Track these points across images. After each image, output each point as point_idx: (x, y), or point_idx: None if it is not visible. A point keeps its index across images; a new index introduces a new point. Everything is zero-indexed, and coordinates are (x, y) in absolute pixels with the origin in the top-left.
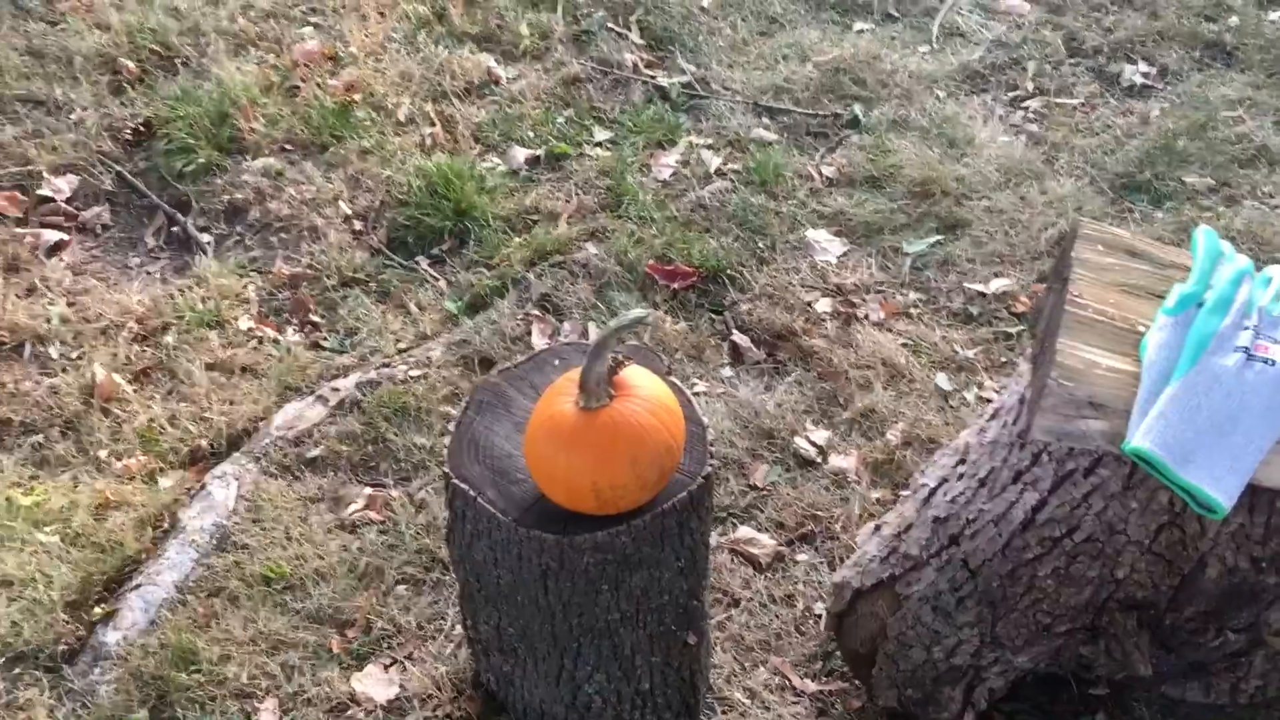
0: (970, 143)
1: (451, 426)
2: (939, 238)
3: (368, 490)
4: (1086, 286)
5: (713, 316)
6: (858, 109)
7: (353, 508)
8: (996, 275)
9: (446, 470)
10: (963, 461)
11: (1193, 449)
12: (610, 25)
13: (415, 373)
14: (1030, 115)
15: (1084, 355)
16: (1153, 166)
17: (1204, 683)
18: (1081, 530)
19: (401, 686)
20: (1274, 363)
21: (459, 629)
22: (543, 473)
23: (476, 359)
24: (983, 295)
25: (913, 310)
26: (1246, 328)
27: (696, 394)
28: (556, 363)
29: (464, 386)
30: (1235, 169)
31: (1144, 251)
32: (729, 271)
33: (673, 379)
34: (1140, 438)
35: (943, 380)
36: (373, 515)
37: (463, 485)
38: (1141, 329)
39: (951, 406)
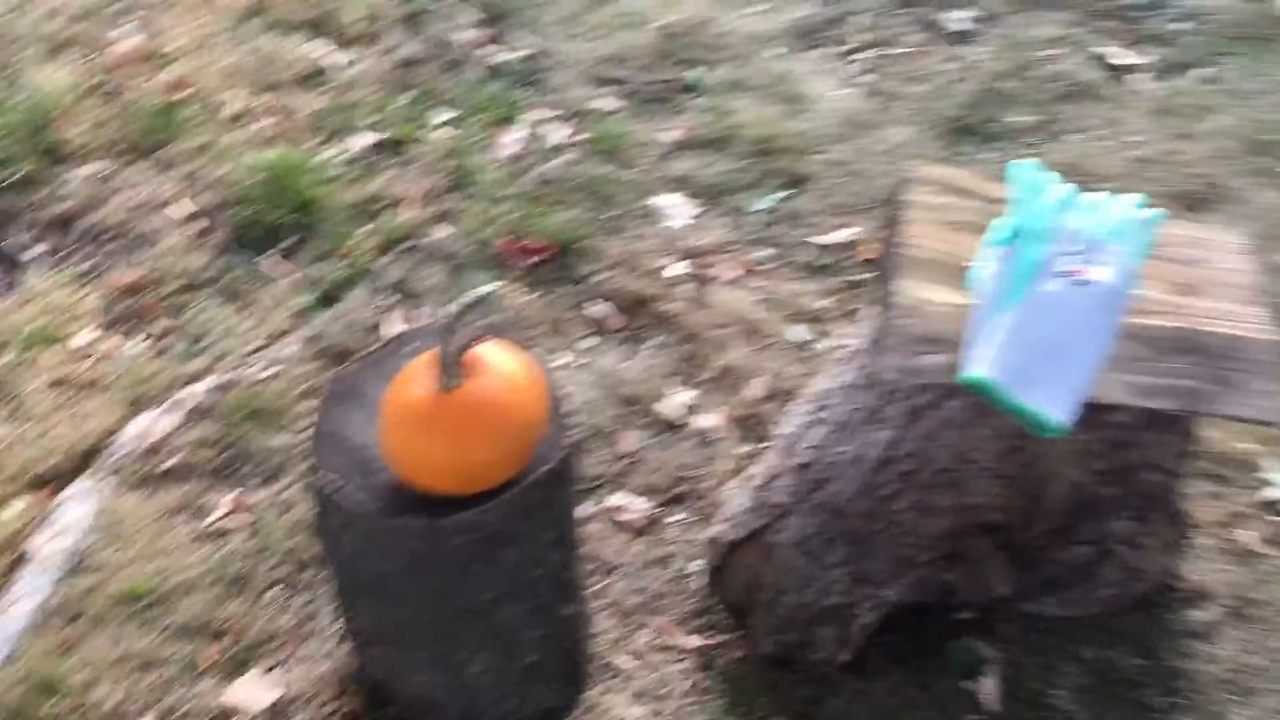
0: (807, 98)
1: (310, 423)
2: (784, 193)
3: (230, 496)
4: (919, 227)
5: (569, 289)
6: (697, 73)
7: (215, 515)
8: (842, 225)
9: (308, 466)
10: (821, 408)
11: (1030, 372)
12: (442, 4)
13: (270, 372)
14: (863, 67)
15: (920, 293)
16: (981, 109)
17: (1059, 596)
18: (935, 462)
19: (284, 689)
20: (1098, 284)
21: (337, 625)
22: (402, 459)
23: (333, 352)
24: (830, 246)
25: (764, 266)
26: (1067, 253)
27: (559, 367)
28: (409, 348)
29: (322, 382)
30: (1056, 105)
31: (970, 188)
32: (582, 243)
33: (533, 353)
34: (978, 366)
35: (799, 332)
36: (237, 521)
37: (325, 480)
38: (971, 264)
39: (808, 356)
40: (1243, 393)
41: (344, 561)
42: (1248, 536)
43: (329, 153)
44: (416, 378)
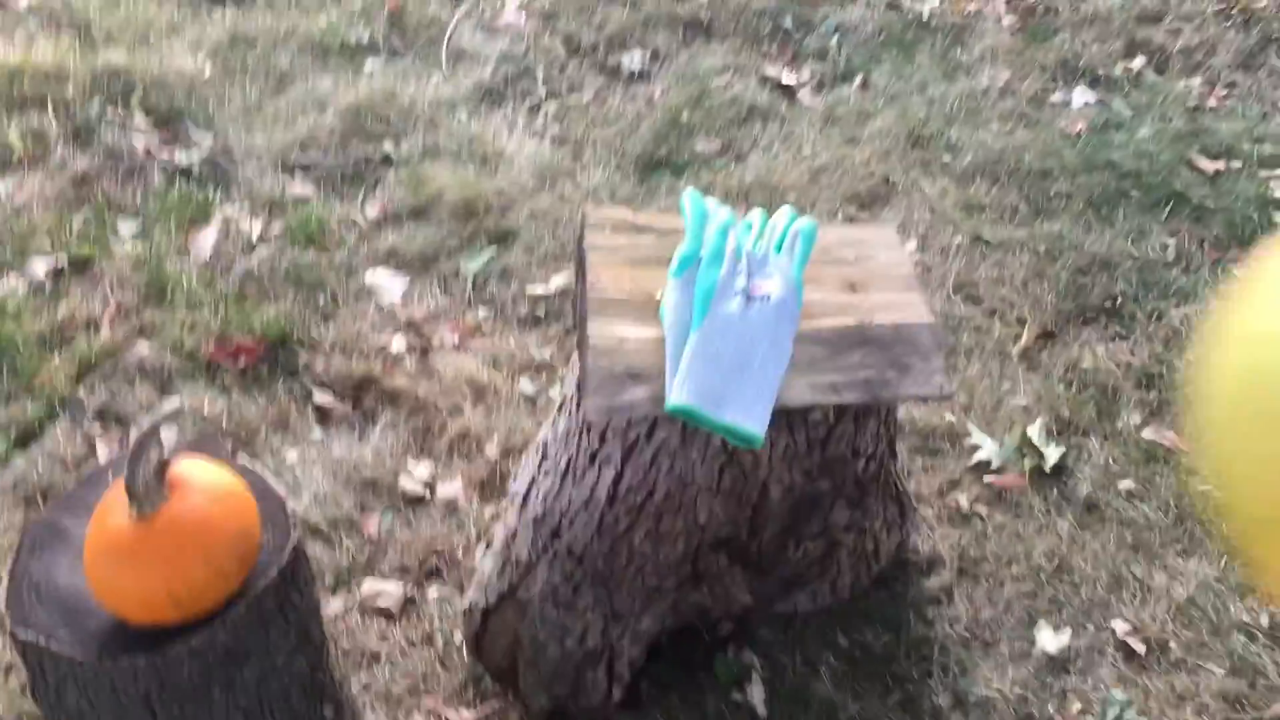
0: (501, 155)
1: (4, 576)
2: (493, 251)
3: None
4: (603, 269)
5: (289, 383)
6: (387, 146)
7: None
8: (554, 274)
9: (4, 624)
10: (545, 458)
11: (722, 391)
12: (110, 113)
13: None
14: (549, 118)
15: (614, 332)
16: (667, 142)
17: (807, 592)
18: (659, 490)
19: None
20: (769, 297)
21: None
22: (112, 595)
23: (39, 495)
24: (545, 296)
25: (485, 326)
26: (740, 272)
27: (289, 464)
28: (110, 477)
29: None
30: (735, 129)
31: (646, 225)
32: (296, 335)
33: (240, 459)
34: (676, 394)
35: (526, 385)
36: None
37: (28, 637)
38: (658, 296)
39: (539, 408)
40: (915, 374)
41: (71, 717)
42: (964, 500)
43: (7, 286)
44: (114, 509)
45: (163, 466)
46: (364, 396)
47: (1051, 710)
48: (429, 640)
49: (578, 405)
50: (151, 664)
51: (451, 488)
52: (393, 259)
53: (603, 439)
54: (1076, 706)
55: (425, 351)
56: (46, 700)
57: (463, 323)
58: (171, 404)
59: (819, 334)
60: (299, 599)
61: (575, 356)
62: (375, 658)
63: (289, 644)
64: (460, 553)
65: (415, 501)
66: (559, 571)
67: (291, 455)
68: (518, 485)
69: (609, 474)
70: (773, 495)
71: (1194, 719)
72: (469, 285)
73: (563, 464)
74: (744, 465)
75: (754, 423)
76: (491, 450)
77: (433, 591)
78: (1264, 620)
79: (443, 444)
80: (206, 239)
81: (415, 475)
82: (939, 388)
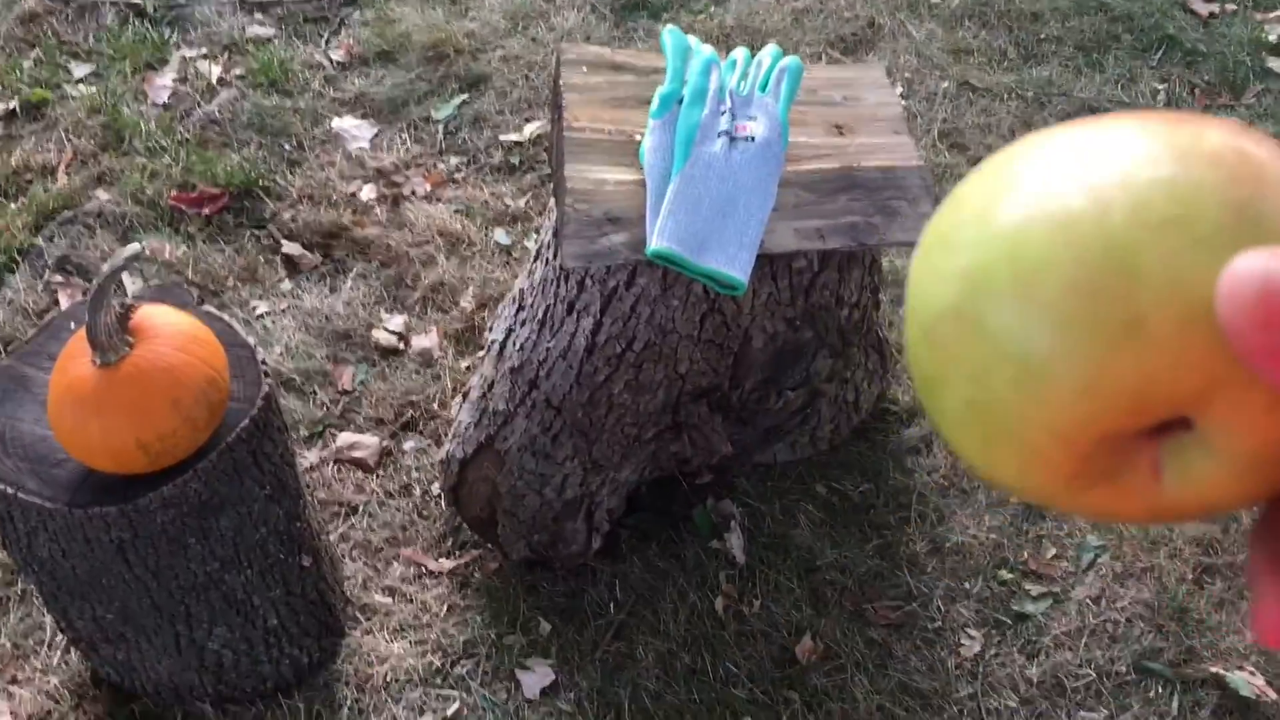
0: None
1: None
2: (464, 97)
3: None
4: (579, 109)
5: (256, 233)
6: None
7: None
8: (527, 120)
9: None
10: (521, 308)
11: (704, 237)
12: None
13: None
14: None
15: (592, 175)
16: None
17: (786, 442)
18: (638, 339)
19: (11, 715)
20: (753, 138)
21: (58, 635)
22: (79, 445)
23: (1, 345)
24: (519, 144)
25: (457, 175)
26: (724, 112)
27: (259, 315)
28: (72, 326)
29: None
30: None
31: (625, 63)
32: (261, 183)
33: (206, 307)
34: (656, 239)
35: (501, 235)
36: None
37: None
38: (638, 138)
39: (515, 258)
40: (903, 219)
41: (44, 566)
42: None
43: None
44: (76, 357)
45: (125, 313)
46: (334, 247)
47: (1026, 555)
48: (406, 491)
49: (555, 252)
50: (123, 513)
51: (426, 340)
52: (360, 104)
53: (581, 287)
54: (1051, 552)
55: (396, 200)
56: (18, 550)
57: (434, 172)
58: (132, 249)
59: (805, 177)
60: (272, 448)
61: (552, 201)
62: (353, 509)
63: (264, 493)
64: (436, 405)
65: (390, 353)
66: (537, 422)
67: (261, 306)
68: (494, 335)
69: (587, 323)
70: (755, 344)
71: (1167, 562)
72: (440, 132)
73: (540, 313)
74: (726, 313)
75: (737, 269)
76: (466, 302)
77: (409, 443)
78: None
79: (416, 295)
80: (164, 82)
81: (389, 327)
82: None
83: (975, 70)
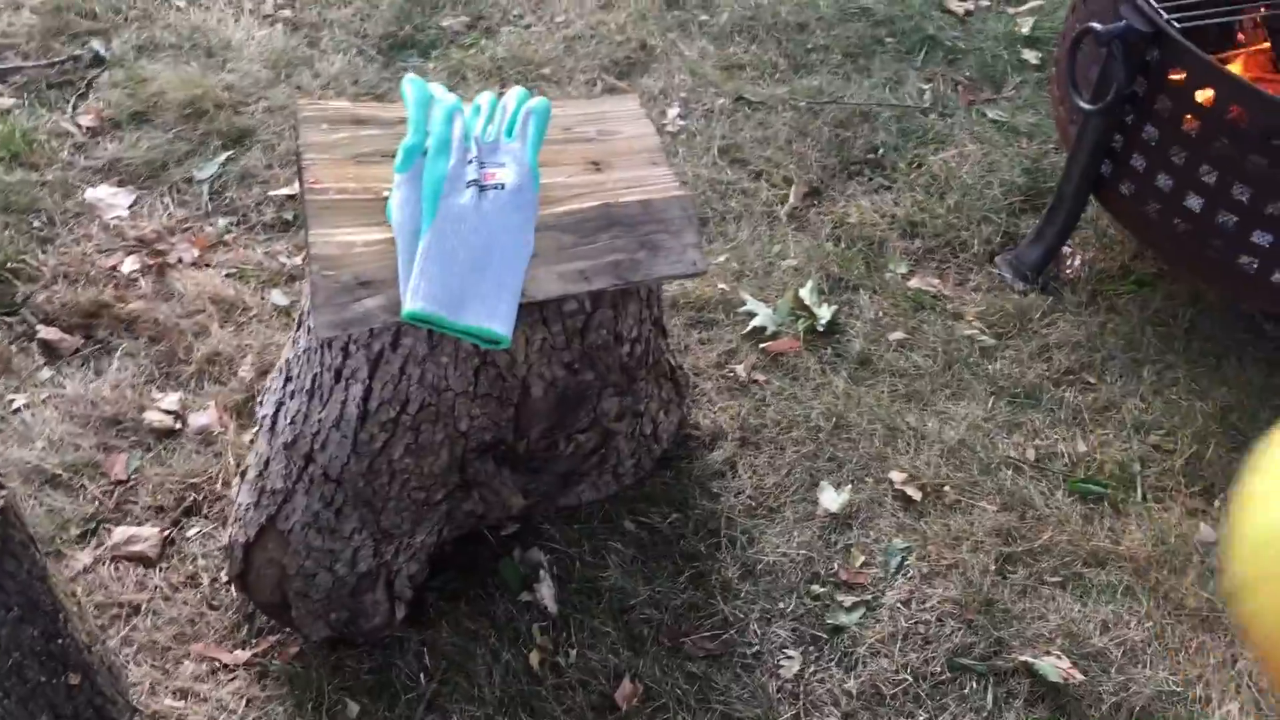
0: (228, 46)
1: None
2: (228, 154)
3: None
4: (321, 169)
5: (7, 320)
6: (97, 45)
7: None
8: (295, 174)
9: None
10: (289, 379)
11: (460, 292)
12: None
13: None
14: (279, 2)
15: (339, 238)
16: (410, 20)
17: (589, 483)
18: (413, 401)
19: None
20: (503, 185)
21: None
22: None
23: None
24: (291, 198)
25: (226, 237)
26: (470, 161)
27: (15, 410)
28: None
29: None
30: (484, 2)
31: (369, 117)
32: (9, 265)
33: None
34: (411, 300)
35: (278, 296)
36: None
37: None
38: (386, 194)
39: (294, 319)
40: (666, 252)
41: None
42: (742, 369)
43: None
44: None
45: None
46: (96, 327)
47: (836, 566)
48: (193, 582)
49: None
50: None
51: (204, 416)
52: (115, 171)
53: (345, 353)
54: (860, 560)
55: (162, 270)
56: None
57: (202, 235)
58: None
59: (564, 219)
60: (15, 566)
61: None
62: (135, 608)
63: (12, 616)
64: (220, 485)
65: (165, 434)
66: (317, 497)
67: (17, 400)
68: (265, 409)
69: (357, 390)
70: (535, 393)
71: (970, 556)
72: (205, 193)
73: (308, 383)
74: (500, 366)
75: (498, 323)
76: (245, 371)
77: (193, 529)
78: (1029, 454)
79: (191, 369)
80: None
81: (163, 406)
82: (692, 264)
83: (749, 84)
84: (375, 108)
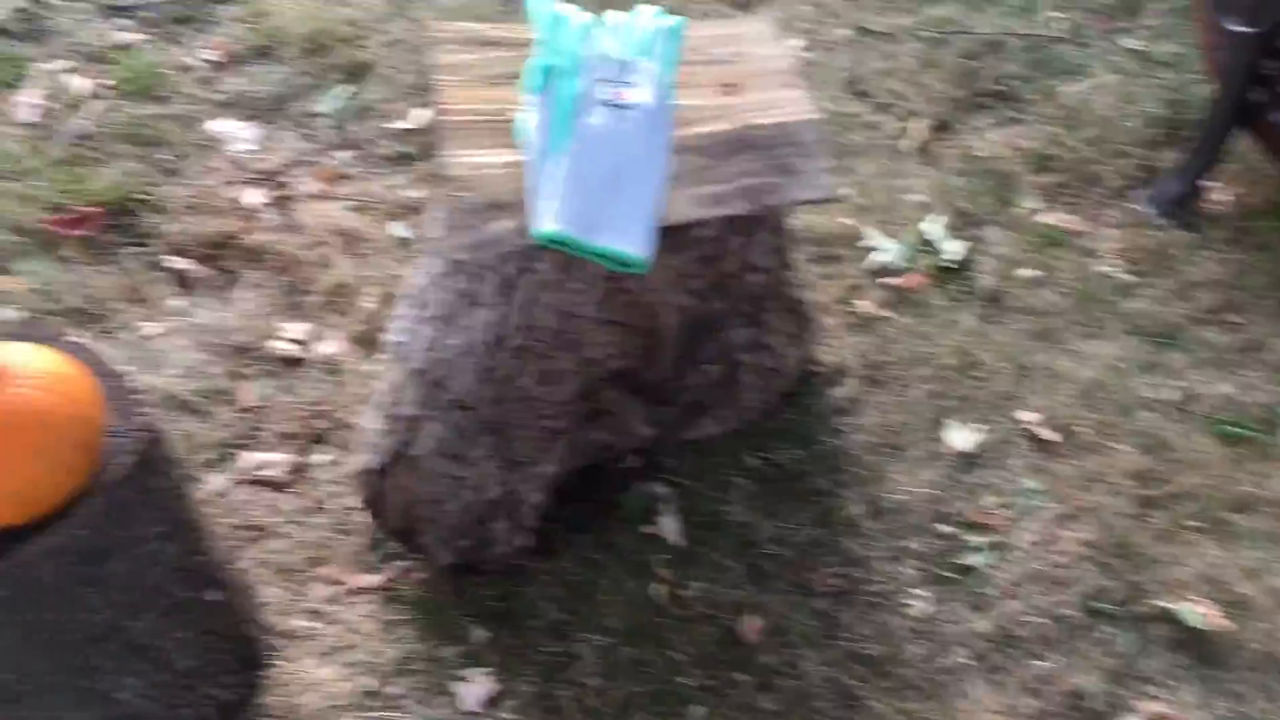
0: None
1: None
2: (349, 88)
3: None
4: (454, 90)
5: (138, 250)
6: None
7: None
8: (417, 106)
9: None
10: (419, 306)
11: (595, 214)
12: None
13: None
14: None
15: (472, 159)
16: None
17: (713, 416)
18: (543, 328)
19: None
20: (636, 105)
21: None
22: None
23: None
24: (411, 131)
25: (348, 170)
26: (601, 80)
27: (149, 337)
28: None
29: None
30: None
31: (497, 39)
32: (139, 196)
33: (73, 338)
34: (544, 221)
35: (399, 229)
36: None
37: None
38: (517, 116)
39: (416, 251)
40: (801, 176)
41: None
42: (865, 305)
43: None
44: None
45: None
46: (223, 257)
47: (964, 506)
48: (322, 508)
49: (444, 244)
50: (2, 569)
51: (329, 346)
52: (239, 105)
53: (477, 279)
54: (990, 499)
55: (285, 202)
56: None
57: (324, 168)
58: None
59: (698, 141)
60: (163, 482)
61: (437, 190)
62: (266, 531)
63: (158, 532)
64: (346, 413)
65: (292, 364)
66: (447, 425)
67: (151, 328)
68: (394, 337)
69: (487, 316)
70: (665, 321)
71: (1106, 498)
72: (327, 126)
73: (439, 310)
74: (630, 292)
75: (634, 245)
76: (368, 301)
77: (322, 456)
78: (1169, 395)
79: (315, 300)
80: (27, 100)
81: (289, 336)
82: (826, 189)
83: (872, 14)
84: (503, 30)
